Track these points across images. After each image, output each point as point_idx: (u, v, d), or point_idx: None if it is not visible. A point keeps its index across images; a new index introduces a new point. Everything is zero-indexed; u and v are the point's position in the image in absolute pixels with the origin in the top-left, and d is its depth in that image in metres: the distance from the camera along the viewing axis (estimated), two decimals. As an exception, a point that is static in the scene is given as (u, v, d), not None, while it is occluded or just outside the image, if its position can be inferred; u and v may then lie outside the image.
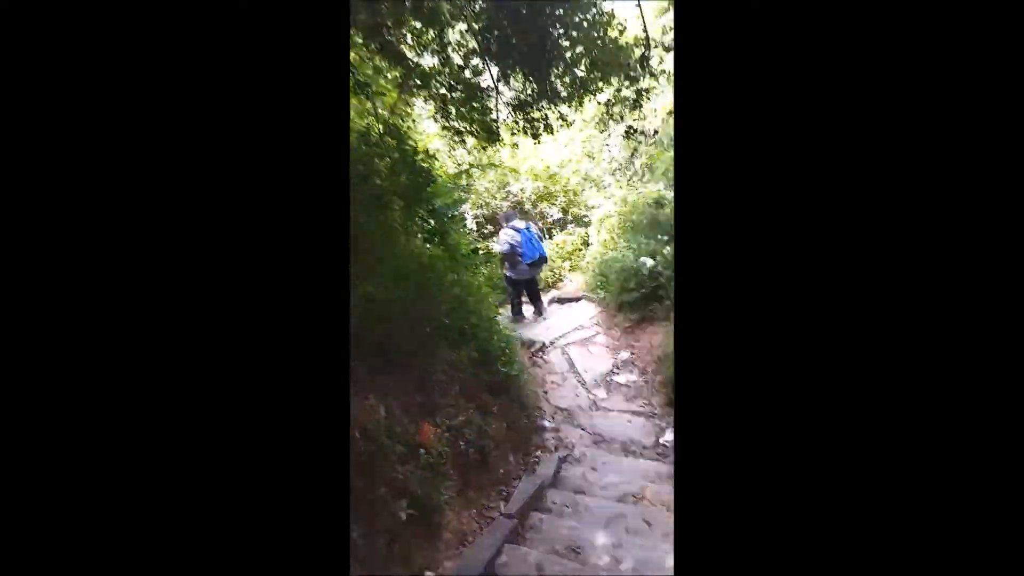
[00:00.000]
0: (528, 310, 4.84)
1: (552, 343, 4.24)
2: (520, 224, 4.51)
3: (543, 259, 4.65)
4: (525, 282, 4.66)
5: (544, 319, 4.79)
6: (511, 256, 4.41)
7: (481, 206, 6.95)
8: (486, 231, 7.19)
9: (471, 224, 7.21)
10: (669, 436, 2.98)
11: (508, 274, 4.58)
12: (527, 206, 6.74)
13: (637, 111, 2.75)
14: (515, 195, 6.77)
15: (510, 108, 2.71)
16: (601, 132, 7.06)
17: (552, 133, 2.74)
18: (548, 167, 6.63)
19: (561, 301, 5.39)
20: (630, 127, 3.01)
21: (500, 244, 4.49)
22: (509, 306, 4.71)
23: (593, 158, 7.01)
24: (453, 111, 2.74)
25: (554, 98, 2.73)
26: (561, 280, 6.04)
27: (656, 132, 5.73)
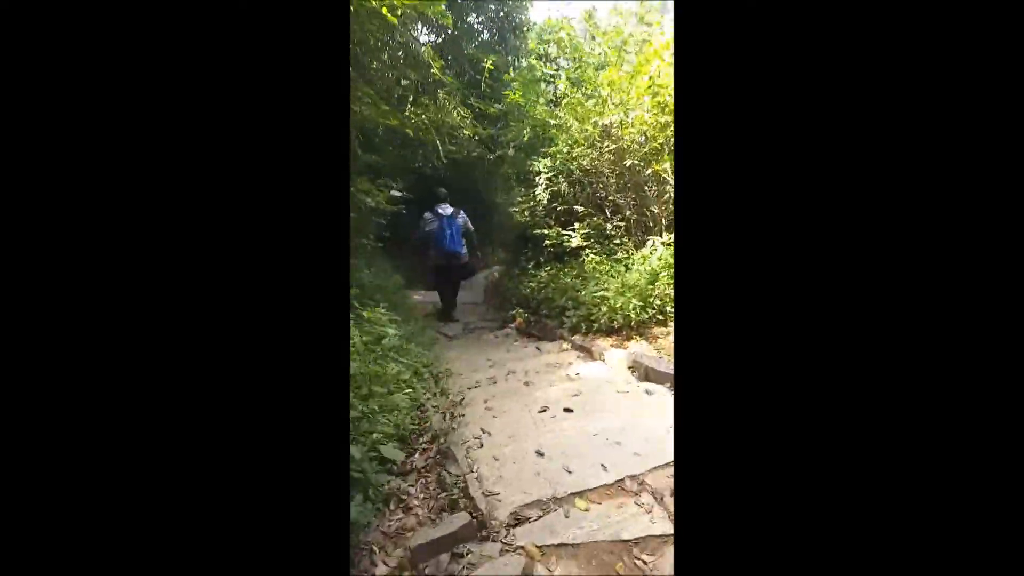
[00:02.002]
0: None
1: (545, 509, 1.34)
2: (446, 210, 4.24)
3: (456, 255, 4.29)
4: (440, 269, 4.39)
5: (449, 325, 4.41)
6: (425, 244, 4.27)
7: (570, 161, 4.06)
8: (563, 218, 4.19)
9: (542, 195, 4.35)
10: None
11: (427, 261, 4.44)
12: (630, 161, 3.55)
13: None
14: (614, 133, 3.63)
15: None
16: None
17: None
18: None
19: (638, 370, 2.36)
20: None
21: (418, 228, 4.28)
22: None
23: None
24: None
25: None
26: (649, 324, 2.89)
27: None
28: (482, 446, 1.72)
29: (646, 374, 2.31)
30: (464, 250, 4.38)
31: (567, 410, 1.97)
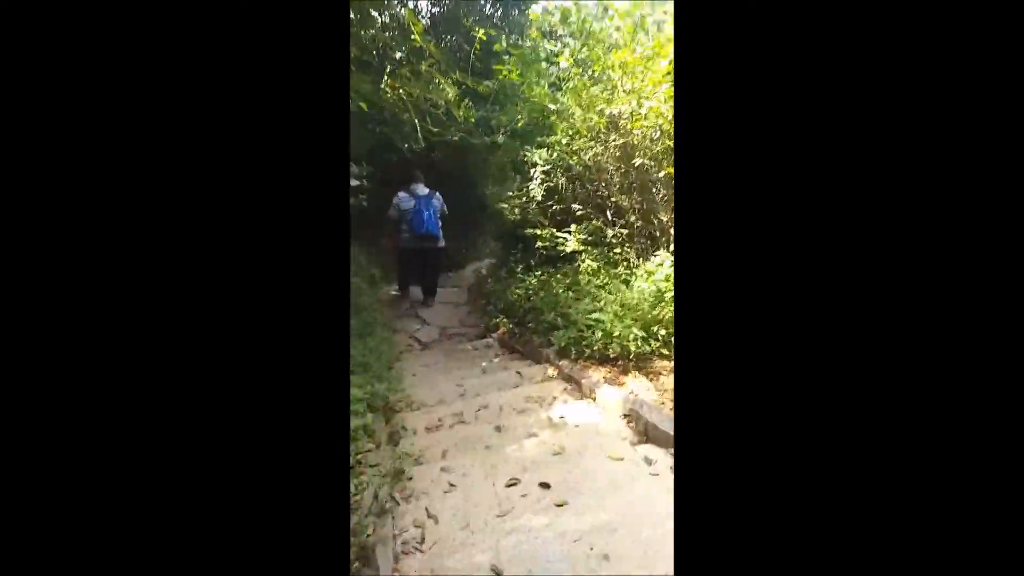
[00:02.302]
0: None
1: None
2: (422, 190, 4.04)
3: (431, 236, 4.02)
4: (411, 253, 4.12)
5: (429, 306, 4.24)
6: (398, 224, 4.04)
7: (570, 155, 3.56)
8: (559, 217, 3.74)
9: (536, 190, 3.88)
10: None
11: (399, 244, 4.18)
12: (639, 159, 3.08)
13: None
14: (622, 125, 3.15)
15: None
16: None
17: None
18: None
19: (636, 421, 1.92)
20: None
21: (391, 208, 4.06)
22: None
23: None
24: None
25: None
26: (651, 356, 2.43)
27: None
28: (422, 542, 1.28)
29: (645, 430, 1.86)
30: (440, 233, 4.16)
31: (543, 485, 1.52)
